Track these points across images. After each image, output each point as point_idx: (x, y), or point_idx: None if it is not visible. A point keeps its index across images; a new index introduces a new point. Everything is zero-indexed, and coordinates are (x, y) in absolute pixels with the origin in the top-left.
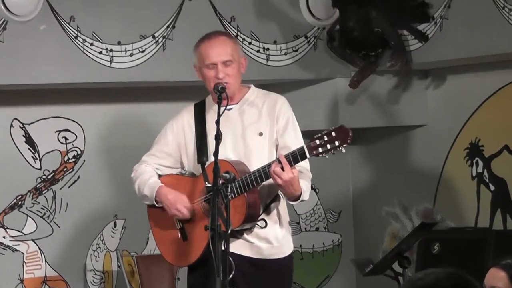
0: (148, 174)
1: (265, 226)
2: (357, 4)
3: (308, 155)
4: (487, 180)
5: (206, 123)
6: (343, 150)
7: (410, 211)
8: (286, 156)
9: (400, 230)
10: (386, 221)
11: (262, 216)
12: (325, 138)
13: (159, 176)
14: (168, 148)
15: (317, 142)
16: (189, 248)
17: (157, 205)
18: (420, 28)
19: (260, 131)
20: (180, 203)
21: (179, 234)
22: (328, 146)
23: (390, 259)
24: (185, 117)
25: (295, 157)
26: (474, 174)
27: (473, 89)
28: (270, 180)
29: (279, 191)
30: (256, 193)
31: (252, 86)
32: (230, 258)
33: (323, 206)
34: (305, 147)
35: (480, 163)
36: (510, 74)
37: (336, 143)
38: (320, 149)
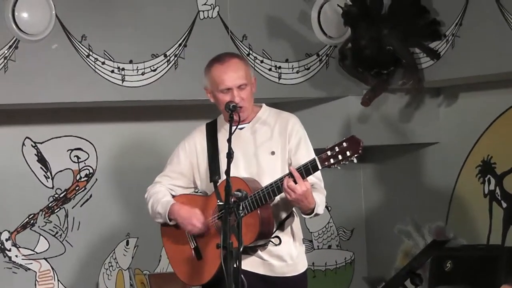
0: (162, 194)
1: (279, 244)
2: (369, 22)
3: (320, 167)
4: (499, 198)
5: (218, 142)
6: (355, 161)
7: (422, 229)
8: (298, 169)
9: (412, 248)
10: (398, 239)
11: (276, 233)
12: (337, 149)
13: (173, 196)
14: (181, 168)
15: (329, 153)
16: (203, 267)
17: (170, 223)
18: (432, 46)
19: (272, 150)
20: (194, 218)
21: (193, 252)
22: (340, 157)
23: (402, 276)
24: (197, 137)
25: (307, 170)
26: (486, 192)
27: (485, 107)
28: (284, 198)
29: (294, 209)
30: (270, 209)
31: (264, 105)
32: (242, 276)
33: (336, 223)
34: (316, 158)
35: (492, 181)
36: None
37: (348, 153)
38: (332, 160)
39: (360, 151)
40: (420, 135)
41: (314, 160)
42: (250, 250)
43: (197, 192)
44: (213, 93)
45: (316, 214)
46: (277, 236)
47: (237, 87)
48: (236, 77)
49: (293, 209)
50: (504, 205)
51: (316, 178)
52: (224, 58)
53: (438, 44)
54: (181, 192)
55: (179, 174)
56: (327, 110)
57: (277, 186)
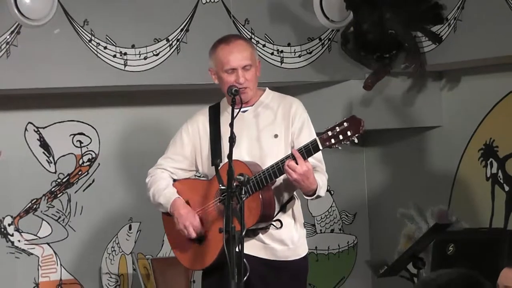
0: (165, 183)
1: (281, 227)
2: (371, 6)
3: (321, 147)
4: (501, 181)
5: (220, 126)
6: (356, 141)
7: (425, 213)
8: (299, 150)
9: (415, 231)
10: (401, 223)
11: (278, 216)
12: (337, 129)
13: (174, 180)
14: (184, 151)
15: (329, 133)
16: (205, 251)
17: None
18: (434, 30)
19: (275, 133)
20: (189, 222)
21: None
22: (341, 137)
23: (405, 260)
24: (200, 120)
25: (308, 150)
26: (488, 175)
27: (488, 90)
28: (286, 180)
29: (295, 193)
30: (271, 191)
31: (267, 89)
32: (244, 260)
33: (338, 207)
34: (317, 139)
35: (495, 164)
36: None
37: (349, 133)
38: (332, 140)
39: (361, 131)
40: (423, 118)
41: (315, 140)
42: (252, 233)
43: (199, 176)
44: (218, 74)
45: (318, 196)
46: (278, 220)
47: (242, 68)
48: (241, 57)
49: (294, 193)
50: (507, 188)
51: (317, 160)
52: (230, 39)
53: (440, 28)
54: (182, 174)
55: (181, 156)
56: (330, 94)
57: (278, 168)
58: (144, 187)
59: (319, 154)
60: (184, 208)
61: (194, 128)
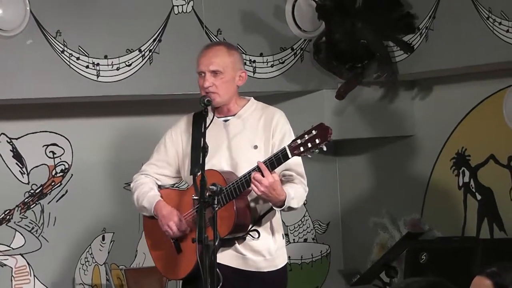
0: (148, 186)
1: (258, 237)
2: (343, 16)
3: (290, 155)
4: (473, 190)
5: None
6: (324, 148)
7: (398, 222)
8: (265, 162)
9: (388, 240)
10: (374, 232)
11: (255, 227)
12: (306, 137)
13: (159, 187)
14: (167, 157)
15: (298, 141)
16: (182, 261)
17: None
18: (406, 39)
19: (255, 144)
20: (172, 221)
21: (173, 246)
22: (309, 145)
23: (377, 269)
24: (184, 126)
25: (278, 159)
26: (460, 184)
27: (459, 99)
28: None
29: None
30: (246, 201)
31: (252, 99)
32: (218, 270)
33: (311, 217)
34: (286, 147)
35: (467, 173)
36: (495, 84)
37: (317, 141)
38: (301, 148)
39: (329, 138)
40: (395, 128)
41: (284, 149)
42: (228, 243)
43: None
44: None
45: (291, 208)
46: (256, 230)
47: (210, 72)
48: (209, 62)
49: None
50: (479, 197)
51: (296, 173)
52: (211, 44)
53: (412, 37)
54: (166, 181)
55: (165, 163)
56: (302, 103)
57: (246, 180)
58: (118, 198)
59: (299, 167)
60: (166, 209)
61: (177, 135)
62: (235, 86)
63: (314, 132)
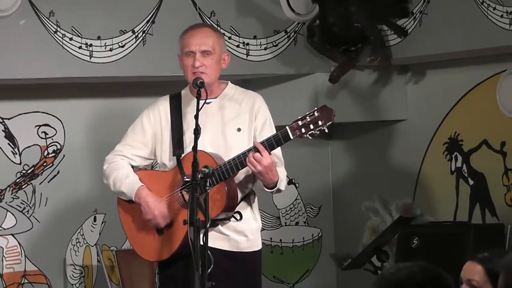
0: (125, 171)
1: (240, 219)
2: None
3: (291, 136)
4: (466, 175)
5: (182, 116)
6: (326, 130)
7: (390, 206)
8: (262, 142)
9: (380, 224)
10: (366, 216)
11: (237, 209)
12: (308, 118)
13: (133, 167)
14: (144, 139)
15: (300, 123)
16: (165, 242)
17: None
18: (400, 23)
19: (238, 126)
20: (158, 210)
21: (154, 228)
22: (312, 126)
23: (369, 253)
24: (162, 108)
25: (277, 140)
26: (453, 169)
27: (453, 84)
28: (247, 174)
29: (253, 188)
30: (235, 183)
31: (229, 83)
32: (209, 252)
33: (303, 200)
34: (287, 128)
35: (459, 158)
36: (489, 69)
37: (320, 122)
38: (303, 130)
39: (333, 119)
40: (388, 112)
41: (285, 129)
42: (211, 225)
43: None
44: (181, 58)
45: (279, 190)
46: (238, 212)
47: (200, 52)
48: (201, 42)
49: (253, 187)
50: (471, 182)
51: (276, 157)
52: (198, 25)
53: (406, 21)
54: (141, 162)
55: (141, 143)
56: (295, 87)
57: (240, 161)
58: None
59: (278, 151)
60: (151, 197)
61: (156, 116)
62: (220, 68)
63: (316, 113)
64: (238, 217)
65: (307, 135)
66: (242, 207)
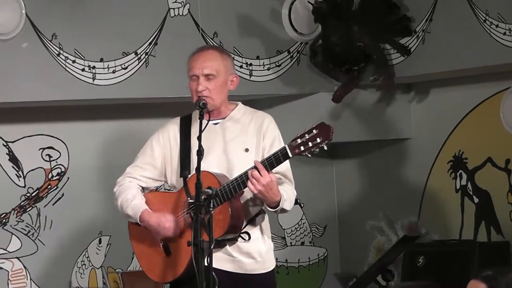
0: (132, 193)
1: (249, 240)
2: (339, 19)
3: (290, 155)
4: (471, 193)
5: (191, 137)
6: (325, 148)
7: (395, 225)
8: (263, 161)
9: (385, 243)
10: (371, 235)
11: (245, 229)
12: (307, 136)
13: (143, 188)
14: (154, 160)
15: (299, 141)
16: (172, 263)
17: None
18: (402, 42)
19: (246, 147)
20: (162, 224)
21: (162, 249)
22: (310, 144)
23: (374, 272)
24: (171, 130)
25: (277, 158)
26: (458, 187)
27: (456, 102)
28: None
29: (263, 207)
30: (239, 203)
31: (240, 104)
32: (213, 273)
33: (308, 220)
34: (287, 146)
35: (464, 176)
36: (492, 87)
37: (318, 140)
38: (302, 148)
39: (330, 137)
40: (392, 131)
41: (284, 148)
42: (218, 245)
43: (169, 189)
44: (189, 81)
45: (283, 210)
46: (246, 232)
47: (203, 76)
48: (204, 66)
49: (263, 206)
50: (476, 200)
51: (285, 178)
52: (203, 47)
53: (409, 40)
54: (151, 183)
55: (151, 166)
56: (299, 106)
57: (242, 180)
58: (114, 201)
59: (288, 172)
60: (154, 216)
61: (165, 138)
62: (227, 90)
63: (315, 131)
64: (247, 238)
65: (306, 153)
66: (250, 227)
